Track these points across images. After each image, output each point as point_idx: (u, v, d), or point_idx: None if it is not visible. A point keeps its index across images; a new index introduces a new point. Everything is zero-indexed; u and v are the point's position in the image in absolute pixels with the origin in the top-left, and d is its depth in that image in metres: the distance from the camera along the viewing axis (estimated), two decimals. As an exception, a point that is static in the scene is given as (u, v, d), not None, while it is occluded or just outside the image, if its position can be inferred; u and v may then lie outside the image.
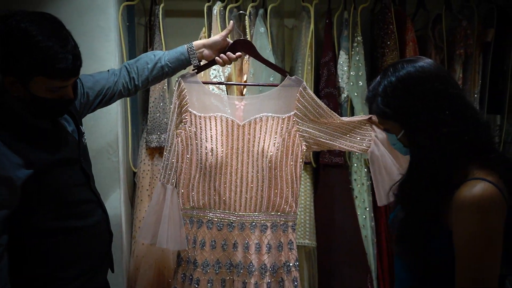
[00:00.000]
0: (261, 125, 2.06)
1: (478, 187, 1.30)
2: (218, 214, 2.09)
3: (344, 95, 2.74)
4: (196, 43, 2.02)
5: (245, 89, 2.64)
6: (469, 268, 1.31)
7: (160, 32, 2.63)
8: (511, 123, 3.03)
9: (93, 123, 2.42)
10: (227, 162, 2.06)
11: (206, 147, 2.04)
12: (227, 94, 2.62)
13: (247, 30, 2.63)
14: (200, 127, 2.06)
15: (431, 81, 1.39)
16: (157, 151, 2.70)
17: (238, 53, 2.02)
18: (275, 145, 2.04)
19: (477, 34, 2.84)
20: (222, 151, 2.05)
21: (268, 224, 2.07)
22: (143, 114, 2.81)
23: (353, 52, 2.73)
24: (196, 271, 2.07)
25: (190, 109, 2.06)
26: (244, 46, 2.05)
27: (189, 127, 2.06)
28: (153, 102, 2.64)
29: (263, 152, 2.04)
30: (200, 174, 2.08)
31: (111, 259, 2.05)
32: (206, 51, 2.02)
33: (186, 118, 2.06)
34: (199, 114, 2.07)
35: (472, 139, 1.37)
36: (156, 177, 2.66)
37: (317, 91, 2.74)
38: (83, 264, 1.82)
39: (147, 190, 2.67)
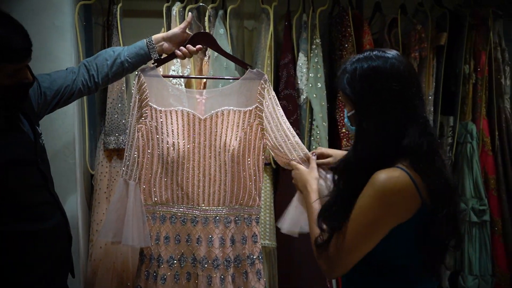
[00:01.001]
0: (222, 119, 2.04)
1: (391, 171, 1.35)
2: (182, 209, 2.05)
3: (303, 97, 2.77)
4: (155, 36, 2.00)
5: (204, 91, 2.62)
6: (347, 229, 1.38)
7: (118, 33, 2.58)
8: (463, 125, 3.12)
9: (48, 124, 2.34)
10: (189, 156, 2.04)
11: (168, 141, 2.01)
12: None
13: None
14: (161, 121, 2.03)
15: (397, 80, 1.39)
16: (115, 152, 2.64)
17: (198, 46, 2.00)
18: (237, 139, 2.03)
19: (431, 38, 2.93)
20: (183, 145, 2.03)
21: (232, 218, 2.06)
22: (100, 115, 2.76)
23: (312, 54, 2.76)
24: (161, 268, 2.03)
25: (150, 103, 2.03)
26: (204, 39, 2.03)
27: (150, 121, 2.03)
28: (111, 103, 2.59)
29: (225, 146, 2.03)
30: (162, 169, 2.05)
31: (71, 263, 1.98)
32: (165, 44, 2.00)
33: (146, 113, 2.03)
34: (160, 108, 2.03)
35: (411, 144, 1.37)
36: (115, 179, 2.61)
37: (276, 93, 2.71)
38: (41, 269, 1.75)
39: (105, 192, 2.61)
